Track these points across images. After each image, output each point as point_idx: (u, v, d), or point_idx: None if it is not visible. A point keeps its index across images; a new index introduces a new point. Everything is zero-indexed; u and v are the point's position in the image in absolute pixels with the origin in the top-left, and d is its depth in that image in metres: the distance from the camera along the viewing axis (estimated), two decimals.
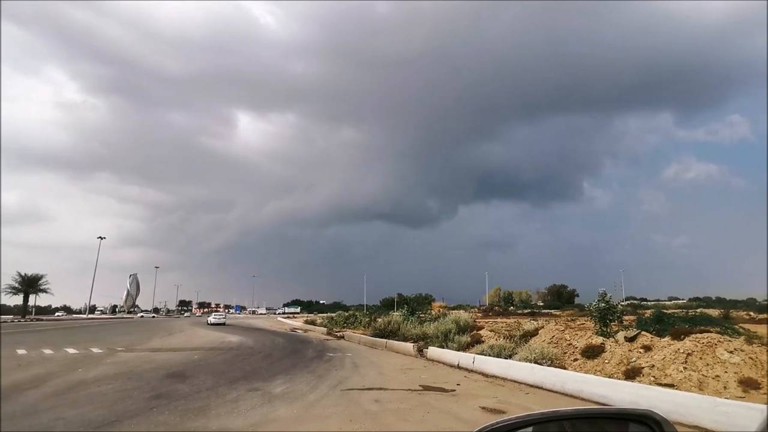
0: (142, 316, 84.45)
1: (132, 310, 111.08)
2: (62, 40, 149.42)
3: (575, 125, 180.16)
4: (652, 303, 71.89)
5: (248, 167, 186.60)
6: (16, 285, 63.77)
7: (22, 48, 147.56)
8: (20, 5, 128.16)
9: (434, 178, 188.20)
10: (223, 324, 44.37)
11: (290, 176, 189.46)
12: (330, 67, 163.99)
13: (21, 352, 15.85)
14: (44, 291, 67.27)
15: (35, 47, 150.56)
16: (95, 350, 16.74)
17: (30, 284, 64.83)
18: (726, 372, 7.99)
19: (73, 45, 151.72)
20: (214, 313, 61.84)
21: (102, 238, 73.99)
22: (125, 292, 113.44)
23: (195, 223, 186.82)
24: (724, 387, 7.69)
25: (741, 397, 7.12)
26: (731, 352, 8.36)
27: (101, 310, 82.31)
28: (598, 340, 11.20)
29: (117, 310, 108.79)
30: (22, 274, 64.57)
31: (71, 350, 16.50)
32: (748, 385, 7.43)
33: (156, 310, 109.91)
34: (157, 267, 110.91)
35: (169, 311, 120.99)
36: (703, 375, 8.21)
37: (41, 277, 66.35)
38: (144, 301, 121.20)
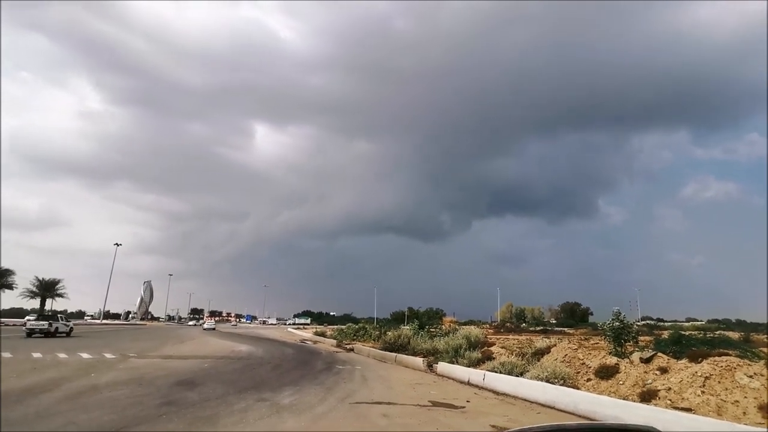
0: (193, 324, 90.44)
1: (144, 316, 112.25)
2: (88, 51, 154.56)
3: (591, 142, 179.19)
4: (669, 323, 70.18)
5: (264, 178, 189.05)
6: (34, 289, 65.02)
7: (49, 59, 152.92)
8: (48, 18, 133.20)
9: (447, 192, 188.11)
10: (213, 329, 56.01)
11: (304, 188, 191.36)
12: (347, 80, 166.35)
13: (36, 355, 16.10)
14: (61, 296, 68.44)
15: (62, 58, 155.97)
16: (108, 356, 16.93)
17: (47, 288, 66.00)
18: (745, 397, 7.75)
19: (97, 56, 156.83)
20: (207, 321, 76.74)
21: (118, 245, 75.15)
22: (139, 299, 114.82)
23: (209, 232, 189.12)
24: (744, 412, 7.45)
25: (760, 423, 6.89)
26: (751, 376, 8.10)
27: (92, 315, 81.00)
28: (612, 360, 10.96)
29: (130, 316, 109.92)
30: (40, 278, 65.87)
31: (85, 355, 16.71)
32: None
33: (194, 318, 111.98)
34: (170, 275, 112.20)
35: (181, 319, 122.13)
36: (721, 400, 7.97)
37: (58, 281, 67.59)
38: (157, 309, 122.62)
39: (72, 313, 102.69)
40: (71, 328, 31.51)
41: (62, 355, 16.23)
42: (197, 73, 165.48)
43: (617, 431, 1.45)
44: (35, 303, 67.05)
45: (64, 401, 8.14)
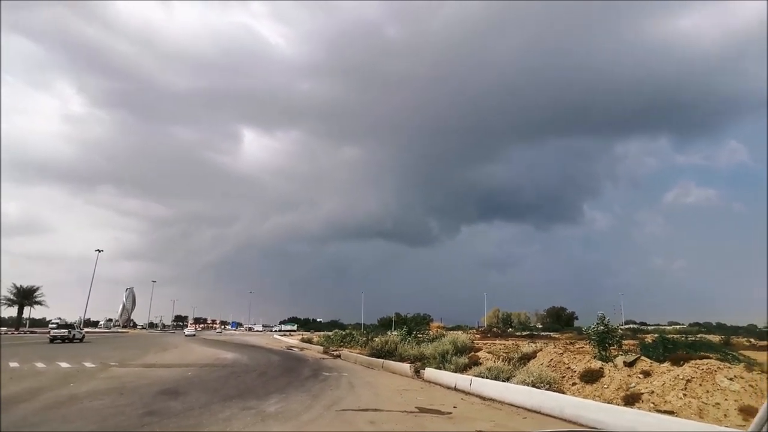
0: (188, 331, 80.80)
1: (126, 324, 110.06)
2: (72, 54, 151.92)
3: (576, 148, 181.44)
4: (652, 327, 71.44)
5: (251, 182, 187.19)
6: (11, 297, 63.30)
7: (33, 61, 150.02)
8: (33, 20, 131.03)
9: (436, 197, 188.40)
10: (194, 335, 62.06)
11: (292, 192, 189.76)
12: (336, 86, 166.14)
13: (13, 365, 15.65)
14: (39, 303, 66.75)
15: (46, 61, 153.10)
16: (88, 365, 16.54)
17: (25, 296, 64.31)
18: (726, 399, 7.89)
19: (82, 59, 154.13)
20: (187, 328, 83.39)
21: (100, 251, 73.56)
22: (121, 306, 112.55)
23: (194, 238, 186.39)
24: (725, 415, 7.59)
25: (741, 426, 7.01)
26: (731, 379, 8.26)
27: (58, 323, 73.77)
28: (596, 364, 11.08)
29: (112, 324, 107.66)
30: (18, 285, 64.17)
31: (64, 364, 16.30)
32: (749, 413, 7.32)
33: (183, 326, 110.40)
34: (154, 281, 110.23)
35: (164, 326, 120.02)
36: (703, 402, 8.11)
37: (37, 288, 65.90)
38: (140, 316, 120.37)
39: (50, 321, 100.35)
40: (84, 335, 39.06)
41: (40, 365, 15.81)
42: (184, 77, 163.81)
43: None
44: (13, 311, 65.25)
45: (42, 411, 7.94)
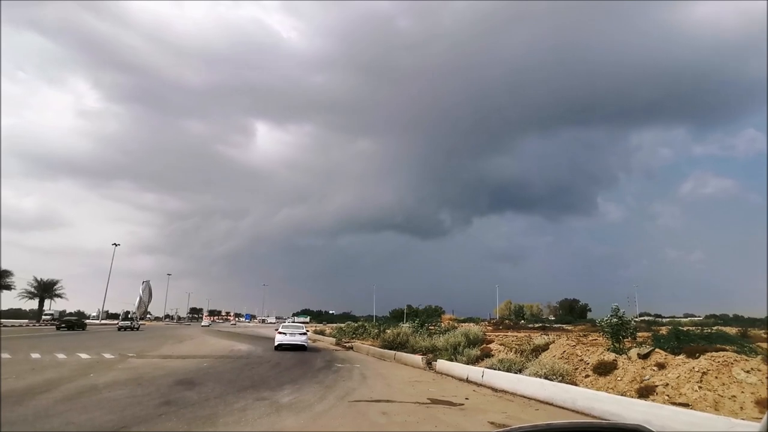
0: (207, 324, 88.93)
1: (143, 316, 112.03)
2: (86, 50, 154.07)
3: (589, 139, 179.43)
4: (667, 320, 70.55)
5: (264, 176, 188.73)
6: (32, 290, 64.88)
7: (47, 57, 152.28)
8: (45, 16, 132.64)
9: (448, 189, 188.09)
10: (208, 326, 73.76)
11: (305, 185, 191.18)
12: (348, 79, 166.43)
13: (35, 356, 16.08)
14: (59, 296, 68.41)
15: (60, 57, 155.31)
16: (107, 356, 16.92)
17: (45, 289, 65.90)
18: (743, 392, 7.78)
19: (95, 55, 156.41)
20: (204, 320, 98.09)
21: (116, 245, 75.00)
22: (138, 299, 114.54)
23: (208, 231, 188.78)
24: (741, 407, 7.49)
25: (758, 419, 6.92)
26: (748, 371, 8.14)
27: (52, 315, 70.87)
28: (610, 356, 10.99)
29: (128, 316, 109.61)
30: (38, 278, 65.74)
31: (84, 355, 16.69)
32: (765, 406, 7.22)
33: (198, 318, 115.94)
34: (169, 274, 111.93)
35: (180, 318, 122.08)
36: (718, 395, 8.00)
37: (57, 282, 67.49)
38: (156, 308, 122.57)
39: (71, 313, 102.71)
40: (139, 326, 53.36)
41: (61, 356, 16.21)
42: (197, 72, 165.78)
43: (607, 430, 1.46)
44: (33, 304, 66.91)
45: (62, 402, 8.14)
